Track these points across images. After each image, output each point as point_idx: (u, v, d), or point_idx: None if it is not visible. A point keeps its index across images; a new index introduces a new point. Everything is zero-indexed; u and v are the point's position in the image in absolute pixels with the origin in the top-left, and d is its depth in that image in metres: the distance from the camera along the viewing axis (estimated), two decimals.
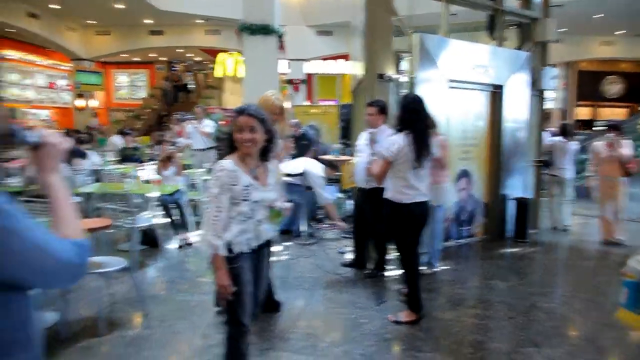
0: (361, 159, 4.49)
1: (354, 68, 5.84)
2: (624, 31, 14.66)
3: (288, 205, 2.37)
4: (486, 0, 6.26)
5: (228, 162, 2.34)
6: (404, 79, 5.36)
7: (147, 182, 6.03)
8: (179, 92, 21.14)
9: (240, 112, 2.36)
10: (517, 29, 6.92)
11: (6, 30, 13.83)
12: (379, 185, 3.77)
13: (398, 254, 3.74)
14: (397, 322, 3.59)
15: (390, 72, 5.25)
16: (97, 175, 7.38)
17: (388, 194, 3.60)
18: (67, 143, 1.19)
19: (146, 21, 15.16)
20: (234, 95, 22.28)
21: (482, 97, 6.01)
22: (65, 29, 15.45)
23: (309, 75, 17.04)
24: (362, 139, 4.61)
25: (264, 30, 8.04)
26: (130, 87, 21.58)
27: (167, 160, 6.11)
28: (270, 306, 3.74)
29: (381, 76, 5.18)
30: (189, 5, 13.33)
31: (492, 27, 6.40)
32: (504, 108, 6.02)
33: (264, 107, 3.39)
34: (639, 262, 1.07)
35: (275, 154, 2.54)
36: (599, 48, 16.00)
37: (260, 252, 2.53)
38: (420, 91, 4.95)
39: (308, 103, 15.14)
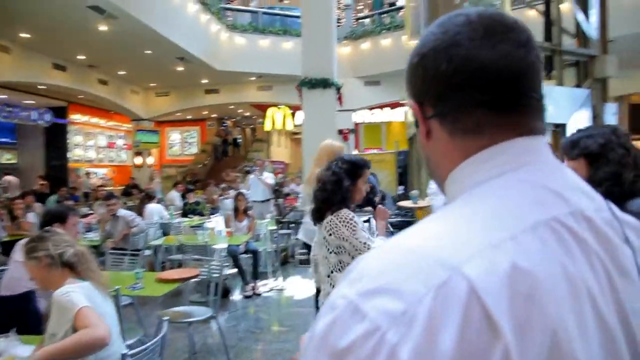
0: (437, 202, 4.52)
1: (408, 115, 5.96)
2: None
3: None
4: (543, 42, 6.32)
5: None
6: None
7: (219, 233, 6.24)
8: (228, 147, 21.99)
9: (368, 165, 2.50)
10: (575, 67, 6.90)
11: (79, 96, 15.03)
12: None
13: None
14: None
15: None
16: (164, 229, 7.66)
17: None
18: None
19: (203, 81, 16.05)
20: (281, 147, 22.96)
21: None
22: (129, 92, 16.59)
23: (357, 125, 17.39)
24: (432, 184, 4.66)
25: (323, 83, 8.40)
26: (182, 144, 22.65)
27: (243, 213, 6.38)
28: None
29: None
30: (244, 65, 14.10)
31: (551, 67, 6.43)
32: None
33: (326, 153, 3.52)
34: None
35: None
36: None
37: None
38: None
39: (356, 152, 15.36)
